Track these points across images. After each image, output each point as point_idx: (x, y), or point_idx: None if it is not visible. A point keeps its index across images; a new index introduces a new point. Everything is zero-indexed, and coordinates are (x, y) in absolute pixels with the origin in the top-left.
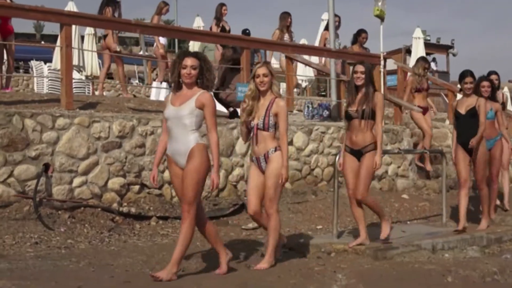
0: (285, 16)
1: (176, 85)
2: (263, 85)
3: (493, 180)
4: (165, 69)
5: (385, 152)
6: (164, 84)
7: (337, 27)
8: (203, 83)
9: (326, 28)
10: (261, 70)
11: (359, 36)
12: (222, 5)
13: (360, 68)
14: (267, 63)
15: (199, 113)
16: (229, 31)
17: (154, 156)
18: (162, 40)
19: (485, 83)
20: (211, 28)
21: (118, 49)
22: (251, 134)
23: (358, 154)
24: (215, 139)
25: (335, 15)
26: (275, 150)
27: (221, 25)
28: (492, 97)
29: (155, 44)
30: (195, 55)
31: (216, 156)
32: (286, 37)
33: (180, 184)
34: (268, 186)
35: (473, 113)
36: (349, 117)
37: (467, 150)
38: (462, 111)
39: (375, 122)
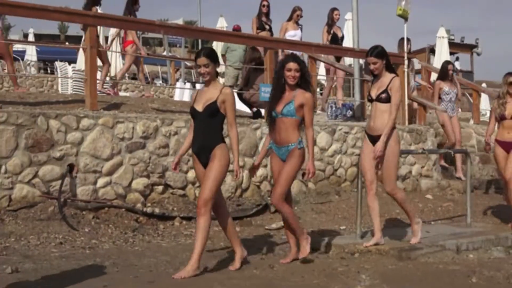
0: (402, 43)
1: None
2: None
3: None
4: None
5: (408, 152)
6: (188, 85)
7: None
8: None
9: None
10: None
11: (447, 70)
12: (333, 9)
13: None
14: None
15: None
16: (342, 38)
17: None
18: None
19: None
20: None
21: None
22: None
23: None
24: None
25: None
26: None
27: (332, 31)
28: (304, 84)
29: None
30: None
31: None
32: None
33: None
34: None
35: (213, 110)
36: None
37: (203, 163)
38: (200, 107)
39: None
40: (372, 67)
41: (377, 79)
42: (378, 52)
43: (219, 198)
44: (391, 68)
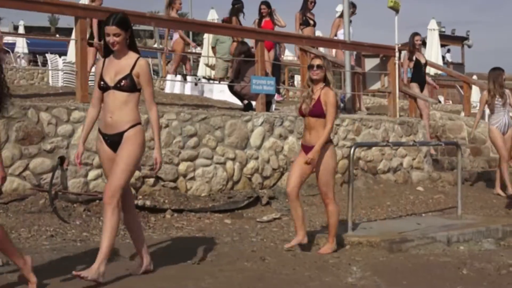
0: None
1: None
2: None
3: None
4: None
5: (399, 144)
6: (179, 77)
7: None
8: None
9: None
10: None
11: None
12: (415, 35)
13: None
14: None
15: None
16: (425, 64)
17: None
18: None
19: None
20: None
21: None
22: None
23: None
24: None
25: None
26: None
27: (414, 58)
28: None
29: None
30: None
31: None
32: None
33: None
34: None
35: None
36: None
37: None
38: None
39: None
40: (112, 39)
41: (112, 59)
42: (121, 19)
43: None
44: (135, 46)
